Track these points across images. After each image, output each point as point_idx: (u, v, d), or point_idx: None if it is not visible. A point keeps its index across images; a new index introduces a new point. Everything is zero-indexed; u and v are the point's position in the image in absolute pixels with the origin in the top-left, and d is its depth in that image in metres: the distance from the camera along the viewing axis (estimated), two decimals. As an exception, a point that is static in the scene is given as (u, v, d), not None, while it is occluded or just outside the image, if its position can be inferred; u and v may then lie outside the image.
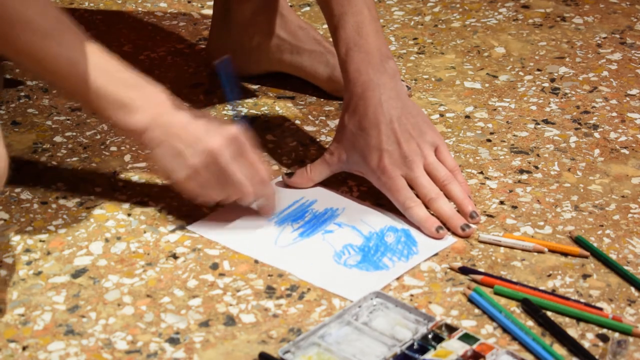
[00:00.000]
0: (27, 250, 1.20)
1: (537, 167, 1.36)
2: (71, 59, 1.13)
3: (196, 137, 1.17)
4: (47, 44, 1.11)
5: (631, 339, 1.07)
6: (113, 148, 1.39)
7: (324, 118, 1.48)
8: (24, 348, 1.06)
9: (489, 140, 1.42)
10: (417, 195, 1.25)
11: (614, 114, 1.49)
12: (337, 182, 1.32)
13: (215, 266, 1.18)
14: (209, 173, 1.18)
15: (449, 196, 1.25)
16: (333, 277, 1.16)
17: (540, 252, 1.20)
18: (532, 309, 1.11)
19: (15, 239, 1.22)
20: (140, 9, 1.79)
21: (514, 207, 1.28)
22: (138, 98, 1.16)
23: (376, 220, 1.26)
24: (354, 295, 1.13)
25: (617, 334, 1.08)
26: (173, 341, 1.07)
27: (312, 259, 1.19)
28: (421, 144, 1.25)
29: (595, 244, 1.21)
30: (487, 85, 1.57)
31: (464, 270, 1.17)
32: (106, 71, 1.15)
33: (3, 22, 1.09)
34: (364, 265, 1.18)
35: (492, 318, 1.10)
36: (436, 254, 1.20)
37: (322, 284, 1.15)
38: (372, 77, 1.26)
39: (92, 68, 1.14)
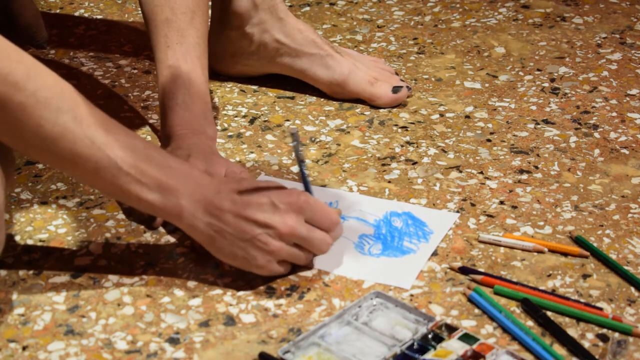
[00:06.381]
0: (27, 250, 1.20)
1: (537, 167, 1.36)
2: (93, 137, 1.02)
3: (266, 219, 1.09)
4: (63, 120, 1.00)
5: (631, 339, 1.07)
6: (113, 148, 1.39)
7: (324, 118, 1.48)
8: (24, 348, 1.06)
9: (489, 140, 1.42)
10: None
11: (614, 114, 1.49)
12: (337, 182, 1.32)
13: (215, 266, 1.18)
14: (290, 249, 1.12)
15: None
16: (371, 269, 1.16)
17: (540, 252, 1.20)
18: (532, 309, 1.11)
19: (15, 239, 1.22)
20: (140, 9, 1.79)
21: (514, 207, 1.28)
22: (173, 177, 1.07)
23: (375, 208, 1.26)
24: (406, 283, 1.14)
25: (617, 334, 1.08)
26: (173, 341, 1.07)
27: (338, 253, 1.19)
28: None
29: (595, 244, 1.21)
30: (487, 85, 1.57)
31: (464, 270, 1.17)
32: (134, 149, 1.05)
33: (11, 105, 0.98)
34: (389, 252, 1.19)
35: (492, 318, 1.10)
36: (441, 242, 1.20)
37: (363, 276, 1.15)
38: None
39: (118, 147, 1.04)
